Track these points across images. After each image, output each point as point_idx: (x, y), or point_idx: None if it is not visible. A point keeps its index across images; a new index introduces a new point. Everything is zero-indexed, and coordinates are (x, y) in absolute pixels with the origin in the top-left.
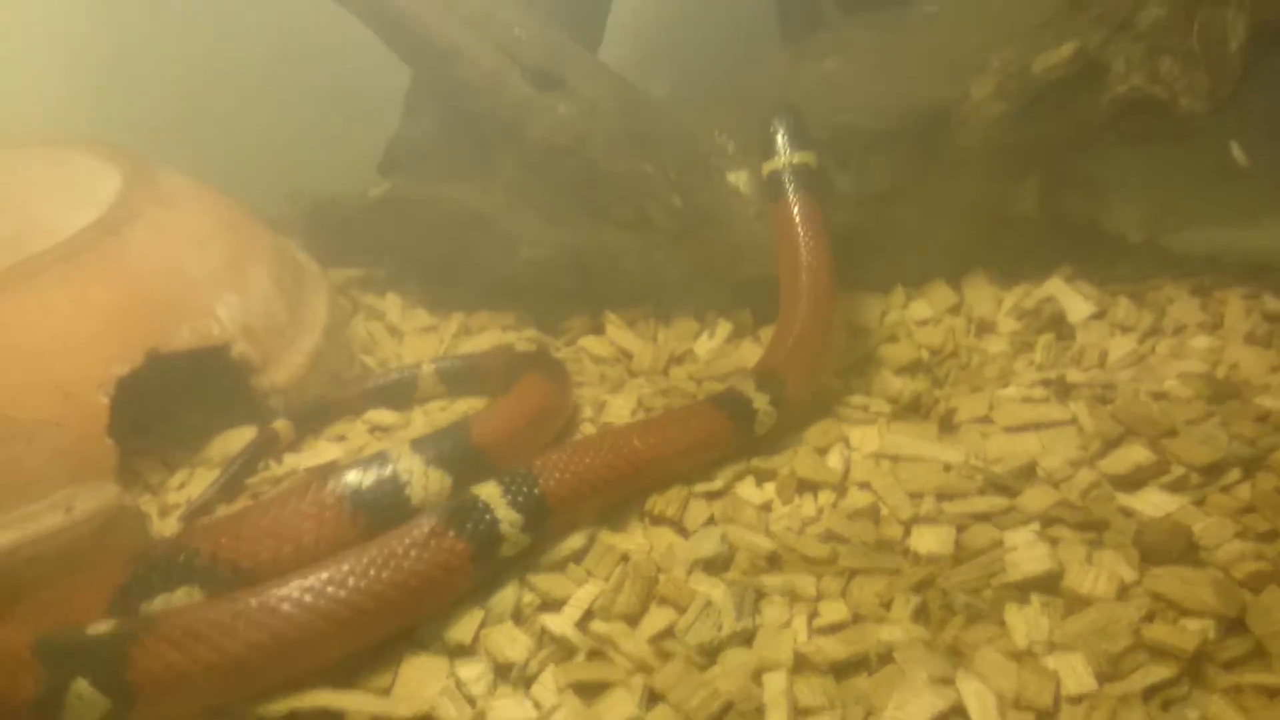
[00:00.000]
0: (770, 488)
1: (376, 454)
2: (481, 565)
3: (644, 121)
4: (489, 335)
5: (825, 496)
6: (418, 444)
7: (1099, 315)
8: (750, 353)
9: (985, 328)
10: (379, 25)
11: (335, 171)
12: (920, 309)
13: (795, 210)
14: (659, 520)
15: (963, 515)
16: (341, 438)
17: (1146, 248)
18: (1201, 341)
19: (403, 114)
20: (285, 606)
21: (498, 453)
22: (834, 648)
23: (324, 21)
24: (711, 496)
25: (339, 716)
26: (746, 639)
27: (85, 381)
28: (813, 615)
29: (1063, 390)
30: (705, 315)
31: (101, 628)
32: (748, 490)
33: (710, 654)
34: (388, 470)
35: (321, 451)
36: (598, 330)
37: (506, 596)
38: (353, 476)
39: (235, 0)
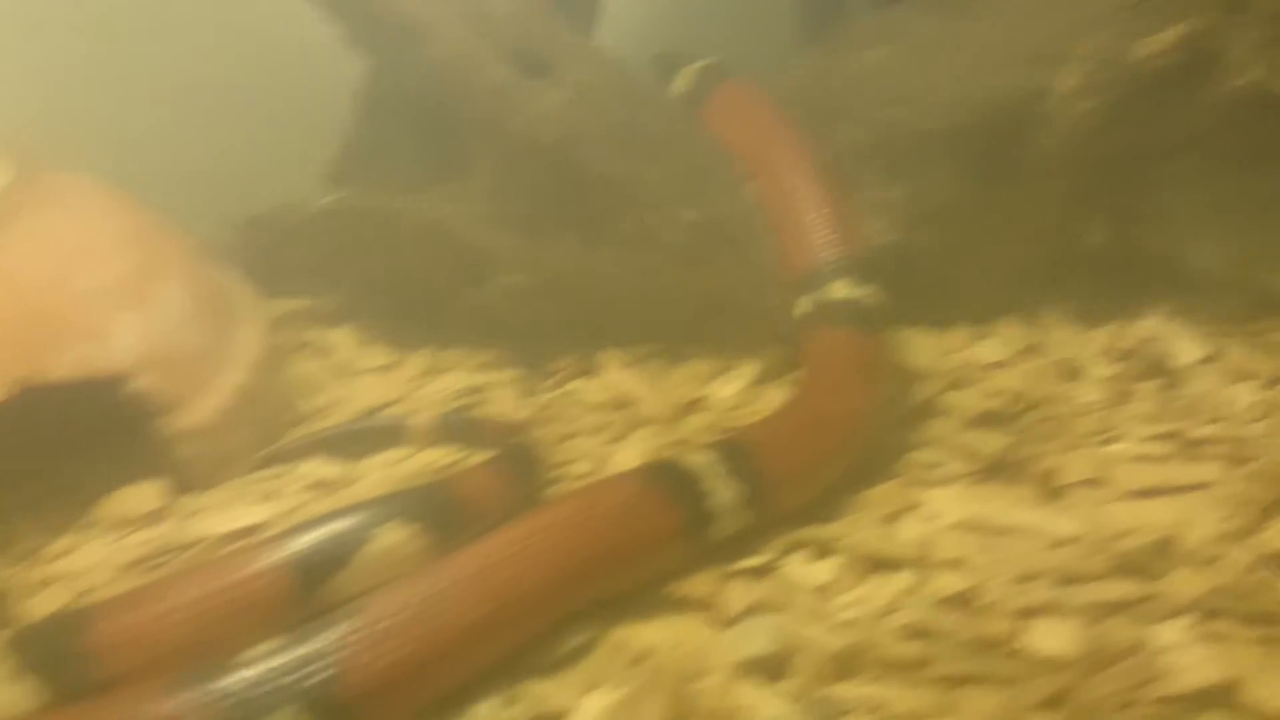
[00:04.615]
0: (829, 565)
1: None
2: (691, 542)
3: (650, 117)
4: (458, 376)
5: (903, 578)
6: None
7: (1209, 360)
8: (779, 399)
9: (1071, 372)
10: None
11: (286, 187)
12: (989, 349)
13: (735, 92)
14: (684, 606)
15: (1091, 605)
16: (271, 497)
17: (1249, 286)
18: None
19: (356, 113)
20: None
21: None
22: None
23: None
24: (753, 575)
25: None
26: None
27: None
28: None
29: (1187, 448)
30: (724, 354)
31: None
32: (800, 568)
33: None
34: None
35: (243, 513)
36: (591, 372)
37: (483, 710)
38: None
39: None
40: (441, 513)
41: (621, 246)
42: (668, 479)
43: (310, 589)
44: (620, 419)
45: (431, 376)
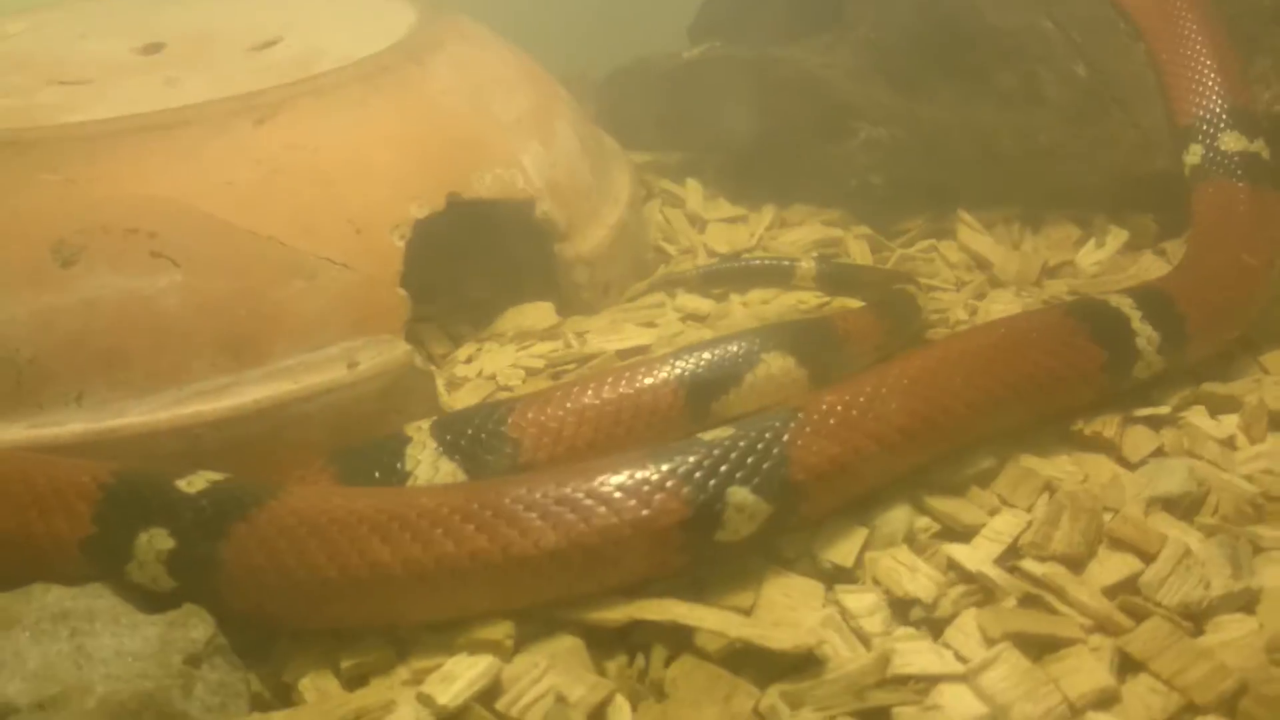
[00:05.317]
0: (1231, 421)
1: None
2: (1110, 380)
3: None
4: (808, 230)
5: None
6: None
7: None
8: (1152, 267)
9: None
10: None
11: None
12: None
13: None
14: (1089, 445)
15: None
16: (651, 324)
17: None
18: None
19: None
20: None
21: None
22: None
23: None
24: (1156, 423)
25: (685, 635)
26: (1246, 603)
27: (379, 219)
28: None
29: None
30: (1090, 220)
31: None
32: (1203, 420)
33: (1197, 618)
34: None
35: (629, 335)
36: (944, 233)
37: (894, 516)
38: None
39: None
40: (826, 346)
41: (1002, 102)
42: (1095, 316)
43: (703, 403)
44: (979, 279)
45: (781, 230)
